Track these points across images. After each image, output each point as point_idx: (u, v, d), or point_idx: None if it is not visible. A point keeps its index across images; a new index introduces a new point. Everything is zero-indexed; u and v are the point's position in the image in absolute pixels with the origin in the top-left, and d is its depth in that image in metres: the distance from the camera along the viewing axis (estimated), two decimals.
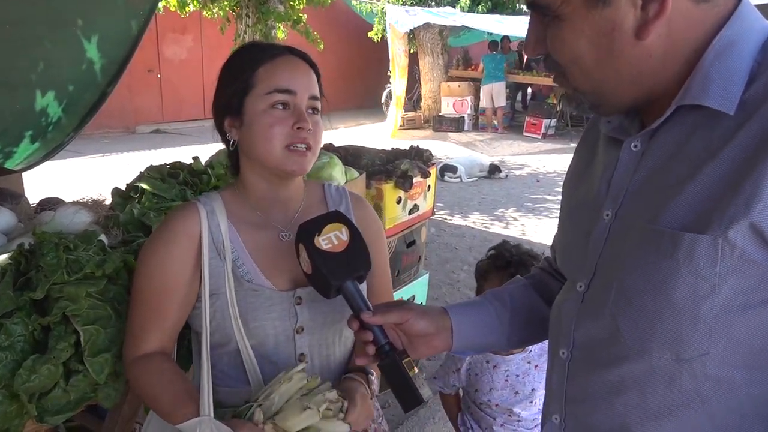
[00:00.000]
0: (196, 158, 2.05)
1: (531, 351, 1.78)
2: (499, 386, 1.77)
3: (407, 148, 3.18)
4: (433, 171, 3.03)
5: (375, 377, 1.15)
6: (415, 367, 0.93)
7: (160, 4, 5.52)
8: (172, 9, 6.31)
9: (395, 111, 11.36)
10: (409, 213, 2.85)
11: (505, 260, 1.72)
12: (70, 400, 1.18)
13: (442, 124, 11.64)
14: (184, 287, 1.10)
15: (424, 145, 3.28)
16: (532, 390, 1.76)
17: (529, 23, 0.79)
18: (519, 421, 1.79)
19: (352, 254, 0.99)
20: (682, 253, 0.67)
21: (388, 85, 12.95)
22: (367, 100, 14.64)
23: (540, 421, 1.82)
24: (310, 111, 1.11)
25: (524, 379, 1.77)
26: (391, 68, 11.05)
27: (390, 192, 2.67)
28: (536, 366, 1.77)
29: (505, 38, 11.88)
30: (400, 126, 11.89)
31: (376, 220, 1.30)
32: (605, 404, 0.80)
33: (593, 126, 0.93)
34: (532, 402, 1.77)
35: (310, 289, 1.11)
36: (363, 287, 1.14)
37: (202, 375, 1.05)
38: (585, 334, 0.82)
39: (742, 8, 0.71)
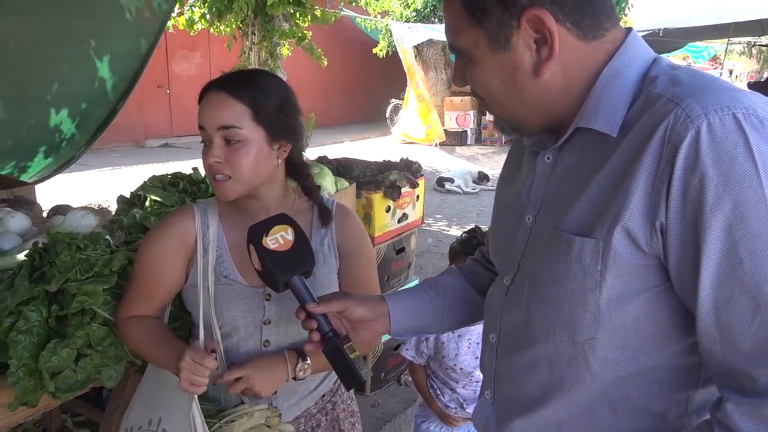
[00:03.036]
0: (195, 169, 2.21)
1: None
2: (463, 352, 2.02)
3: (397, 160, 3.34)
4: (421, 182, 3.18)
5: (308, 365, 1.25)
6: (356, 351, 1.04)
7: (170, 23, 5.73)
8: (181, 27, 6.53)
9: (434, 118, 11.56)
10: (398, 221, 3.00)
11: (474, 246, 1.90)
12: (78, 380, 1.34)
13: (445, 138, 11.81)
14: (171, 275, 1.28)
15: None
16: None
17: (455, 60, 0.93)
18: (477, 382, 2.04)
19: (297, 252, 1.07)
20: (575, 254, 0.79)
21: (393, 99, 13.16)
22: (371, 115, 14.86)
23: None
24: (225, 141, 1.17)
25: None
26: (409, 80, 11.34)
27: (379, 201, 2.82)
28: None
29: None
30: (404, 140, 12.04)
31: (359, 230, 1.40)
32: (524, 380, 0.94)
33: (520, 137, 1.07)
34: None
35: None
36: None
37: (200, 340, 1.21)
38: (508, 322, 0.96)
39: (629, 41, 0.84)
